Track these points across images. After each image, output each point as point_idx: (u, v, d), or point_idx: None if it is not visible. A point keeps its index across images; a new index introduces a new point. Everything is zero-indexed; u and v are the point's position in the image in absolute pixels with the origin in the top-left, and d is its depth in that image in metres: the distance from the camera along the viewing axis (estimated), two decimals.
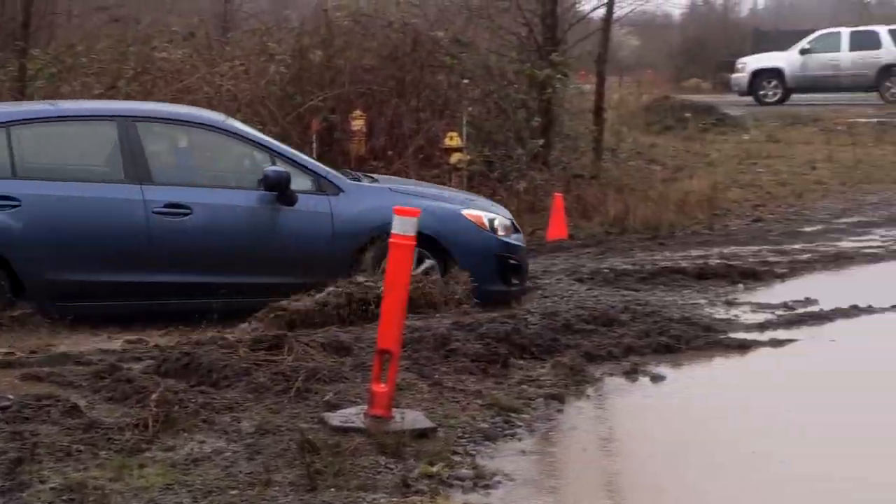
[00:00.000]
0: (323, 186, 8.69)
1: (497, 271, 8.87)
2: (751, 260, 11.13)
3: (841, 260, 11.06)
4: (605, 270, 10.44)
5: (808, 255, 11.22)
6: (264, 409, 5.92)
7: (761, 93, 29.72)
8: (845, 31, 30.24)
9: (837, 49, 29.45)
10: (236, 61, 13.90)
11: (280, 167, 8.51)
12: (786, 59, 29.88)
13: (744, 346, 8.00)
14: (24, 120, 8.50)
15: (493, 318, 7.92)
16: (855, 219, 13.49)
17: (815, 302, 9.31)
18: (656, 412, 6.66)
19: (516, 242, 9.11)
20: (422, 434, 5.69)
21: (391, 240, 5.84)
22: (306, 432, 5.41)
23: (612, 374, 7.24)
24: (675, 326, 8.21)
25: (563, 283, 9.93)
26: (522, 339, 7.50)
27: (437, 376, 6.64)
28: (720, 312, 9.02)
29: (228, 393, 6.14)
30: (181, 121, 8.98)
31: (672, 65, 42.98)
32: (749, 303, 9.39)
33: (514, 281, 9.07)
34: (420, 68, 13.92)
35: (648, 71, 41.63)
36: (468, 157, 13.18)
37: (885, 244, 11.86)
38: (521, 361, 7.21)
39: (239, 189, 8.65)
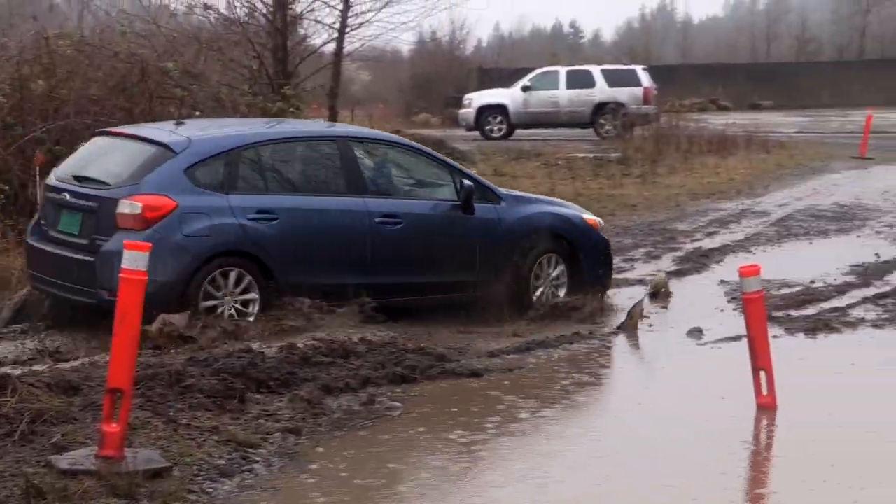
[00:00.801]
0: (488, 197, 10.08)
1: (606, 262, 10.68)
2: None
3: None
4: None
5: None
6: None
7: (487, 128, 30.71)
8: (563, 70, 31.69)
9: (556, 87, 30.80)
10: None
11: (466, 181, 9.93)
12: (509, 96, 31.01)
13: (476, 374, 8.20)
14: (267, 140, 9.50)
15: (230, 353, 7.79)
16: None
17: (540, 330, 9.65)
18: (392, 442, 6.71)
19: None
20: (156, 474, 5.53)
21: (121, 275, 5.71)
22: (31, 477, 5.15)
23: (349, 406, 7.26)
24: (410, 357, 8.32)
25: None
26: (259, 373, 7.42)
27: (171, 413, 6.47)
28: (450, 342, 9.18)
29: None
30: (383, 140, 10.35)
31: (402, 100, 43.84)
32: (487, 333, 9.62)
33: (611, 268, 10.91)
34: (149, 99, 13.57)
35: (380, 105, 42.25)
36: None
37: None
38: (259, 396, 7.13)
39: (429, 200, 9.90)
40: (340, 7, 14.46)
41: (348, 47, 15.61)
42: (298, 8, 15.22)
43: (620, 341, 9.39)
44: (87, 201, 8.87)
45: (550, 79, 31.24)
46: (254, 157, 9.21)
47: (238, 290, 8.83)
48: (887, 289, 11.29)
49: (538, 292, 10.20)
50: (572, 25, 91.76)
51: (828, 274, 12.11)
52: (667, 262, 13.08)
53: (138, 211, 8.54)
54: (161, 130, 9.53)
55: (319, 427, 6.79)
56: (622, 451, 6.60)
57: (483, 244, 9.88)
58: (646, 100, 29.84)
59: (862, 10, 60.30)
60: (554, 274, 10.30)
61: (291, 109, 14.11)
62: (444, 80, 44.07)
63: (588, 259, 10.42)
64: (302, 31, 16.20)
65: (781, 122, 35.47)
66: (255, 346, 8.09)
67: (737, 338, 9.03)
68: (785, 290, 11.26)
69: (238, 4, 14.81)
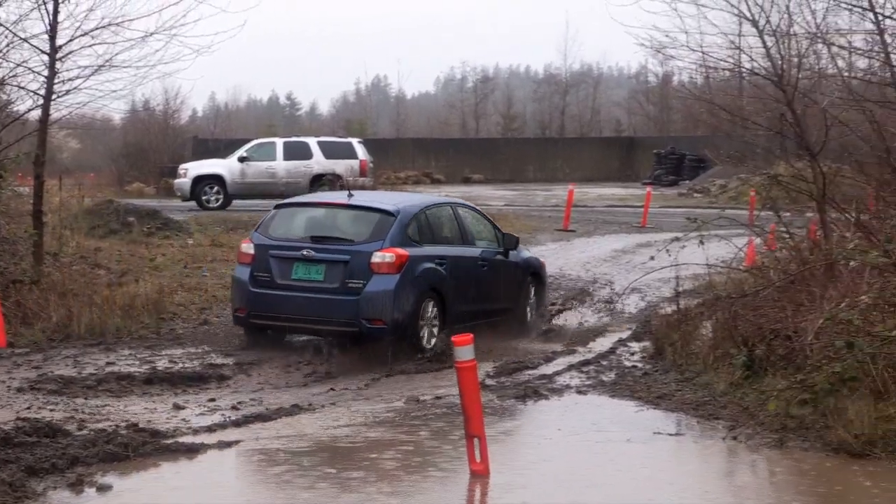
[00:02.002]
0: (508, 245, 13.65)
1: (546, 290, 14.99)
2: (198, 363, 11.20)
3: None
4: (51, 379, 9.99)
5: (253, 357, 11.51)
6: None
7: (204, 198, 30.24)
8: (279, 141, 31.73)
9: (273, 158, 30.76)
10: None
11: (508, 234, 13.99)
12: (226, 167, 30.70)
13: (192, 450, 8.00)
14: (429, 206, 12.88)
15: None
16: None
17: (260, 402, 9.55)
18: None
19: None
20: None
21: None
22: None
23: (55, 488, 6.92)
24: (122, 434, 8.04)
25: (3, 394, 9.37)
26: None
27: None
28: (169, 417, 8.95)
29: None
30: (465, 205, 13.87)
31: (115, 168, 42.61)
32: (205, 406, 9.44)
33: None
34: None
35: (91, 174, 40.88)
36: None
37: None
38: None
39: (489, 248, 13.35)
40: (46, 73, 13.90)
41: (55, 114, 14.96)
42: (0, 73, 14.53)
43: (338, 412, 9.39)
44: (335, 255, 11.71)
45: (267, 149, 31.20)
46: (424, 219, 12.49)
47: (432, 317, 12.05)
48: (590, 356, 11.87)
49: (530, 315, 14.00)
50: (289, 97, 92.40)
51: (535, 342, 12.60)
52: None
53: (391, 260, 11.64)
54: (375, 200, 12.93)
55: None
56: None
57: (511, 279, 13.56)
58: (362, 172, 30.28)
59: (561, 91, 63.79)
60: (533, 300, 14.11)
61: None
62: (159, 149, 43.19)
63: (544, 288, 14.69)
64: (5, 97, 15.48)
65: (491, 195, 36.83)
66: None
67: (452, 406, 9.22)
68: (496, 359, 11.61)
69: None
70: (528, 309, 13.93)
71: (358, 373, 10.90)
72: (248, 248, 12.11)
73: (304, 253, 11.71)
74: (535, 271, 14.24)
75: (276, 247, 11.91)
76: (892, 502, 7.24)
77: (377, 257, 11.59)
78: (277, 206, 12.89)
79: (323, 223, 12.29)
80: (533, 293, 14.08)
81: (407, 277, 11.63)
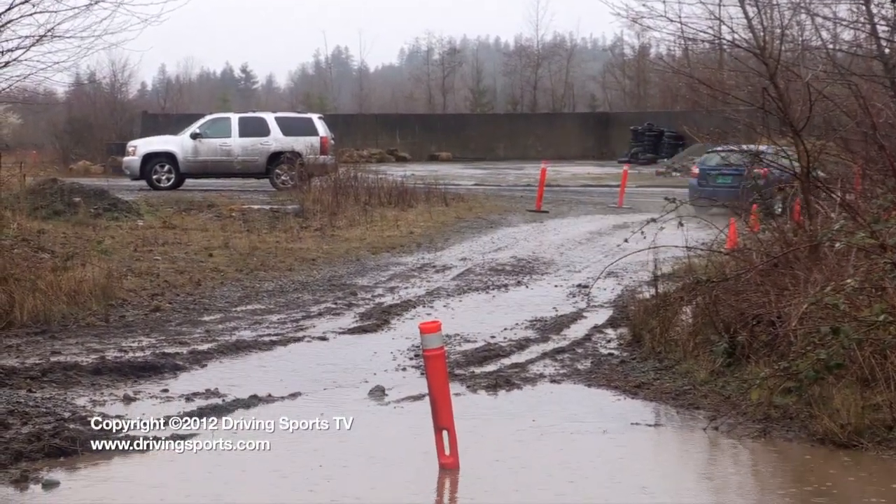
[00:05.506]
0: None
1: None
2: (149, 352, 11.15)
3: (240, 349, 11.42)
4: None
5: (209, 346, 11.47)
6: None
7: (154, 177, 30.11)
8: (235, 117, 31.54)
9: (228, 134, 30.60)
10: None
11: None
12: (178, 144, 30.54)
13: (144, 444, 7.97)
14: (717, 164, 24.84)
15: None
16: (252, 306, 13.99)
17: (216, 393, 9.54)
18: None
19: None
20: None
21: None
22: None
23: None
24: (70, 427, 8.00)
25: None
26: None
27: None
28: (120, 409, 8.93)
29: None
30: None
31: (59, 145, 42.33)
32: (157, 397, 9.41)
33: None
34: None
35: (33, 151, 40.57)
36: None
37: (283, 332, 12.43)
38: None
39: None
40: None
41: None
42: None
43: (301, 404, 9.39)
44: (735, 172, 19.90)
45: (222, 126, 31.02)
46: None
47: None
48: (564, 343, 11.90)
49: None
50: (244, 70, 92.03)
51: (508, 329, 12.64)
52: (348, 319, 13.23)
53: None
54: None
55: None
56: None
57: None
58: (323, 149, 30.19)
59: (532, 64, 63.85)
60: None
61: None
62: (106, 125, 42.96)
63: None
64: None
65: (460, 175, 36.86)
66: None
67: (420, 397, 9.25)
68: (466, 346, 11.65)
69: None
70: None
71: None
72: (696, 169, 25.99)
73: (723, 171, 23.04)
74: None
75: (709, 169, 24.75)
76: (881, 497, 7.32)
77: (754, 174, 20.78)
78: (706, 152, 25.46)
79: (724, 158, 21.54)
80: None
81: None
